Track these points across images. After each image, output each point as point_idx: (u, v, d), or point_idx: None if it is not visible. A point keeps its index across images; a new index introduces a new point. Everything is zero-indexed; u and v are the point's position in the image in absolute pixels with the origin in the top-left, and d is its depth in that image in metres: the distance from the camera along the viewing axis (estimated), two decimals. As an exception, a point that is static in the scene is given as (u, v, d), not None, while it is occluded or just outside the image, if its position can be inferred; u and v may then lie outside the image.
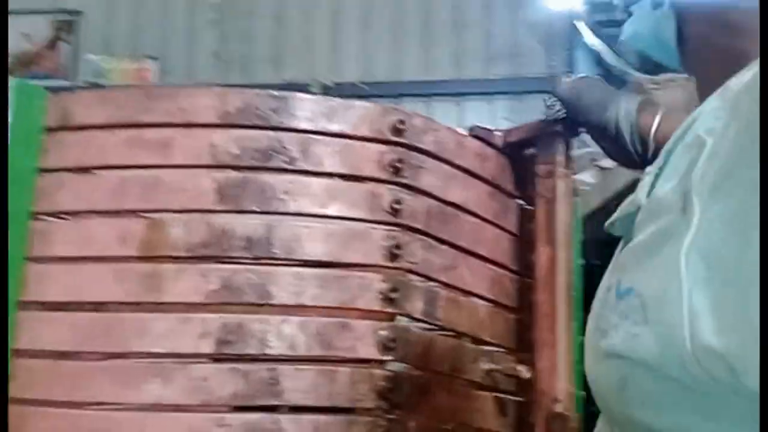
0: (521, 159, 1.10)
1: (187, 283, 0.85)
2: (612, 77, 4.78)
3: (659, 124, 0.90)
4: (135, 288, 0.84)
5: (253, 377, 0.82)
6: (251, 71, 5.33)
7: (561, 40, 4.84)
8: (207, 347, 0.83)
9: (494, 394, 0.97)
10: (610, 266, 0.54)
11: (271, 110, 0.92)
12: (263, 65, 5.28)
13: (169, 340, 0.83)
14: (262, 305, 0.85)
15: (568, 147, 1.02)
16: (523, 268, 1.07)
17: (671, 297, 0.38)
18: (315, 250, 0.88)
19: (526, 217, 1.09)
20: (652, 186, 0.46)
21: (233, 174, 0.89)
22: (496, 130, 1.10)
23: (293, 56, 5.24)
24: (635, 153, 0.94)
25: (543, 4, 4.66)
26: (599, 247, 1.05)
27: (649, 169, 0.50)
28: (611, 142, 0.97)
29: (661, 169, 0.47)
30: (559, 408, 0.89)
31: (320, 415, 0.83)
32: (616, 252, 0.55)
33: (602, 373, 0.46)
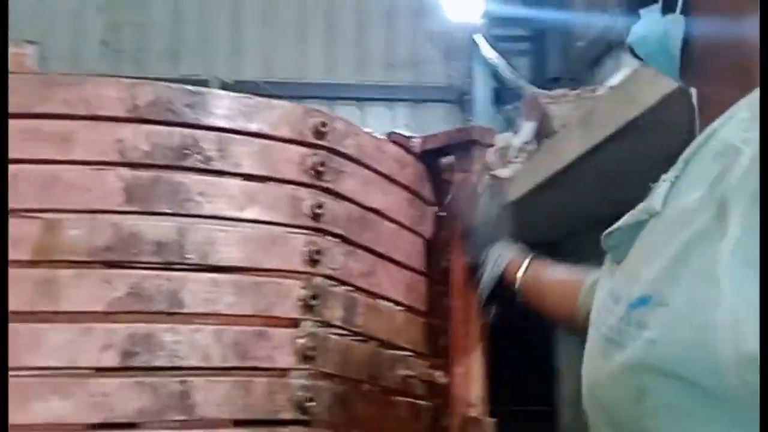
0: (437, 166, 1.11)
1: (88, 290, 0.78)
2: (507, 90, 4.96)
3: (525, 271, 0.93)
4: (28, 295, 0.76)
5: (162, 392, 0.76)
6: (144, 63, 5.06)
7: (460, 52, 5.00)
8: (110, 360, 0.76)
9: (409, 399, 0.97)
10: (611, 277, 0.53)
11: (185, 106, 0.86)
12: (158, 57, 5.02)
13: (66, 353, 0.75)
14: (173, 314, 0.80)
15: (483, 155, 1.04)
16: (438, 275, 1.08)
17: (707, 304, 0.38)
18: (231, 255, 0.84)
19: (441, 225, 1.11)
20: (667, 195, 0.47)
21: (143, 173, 0.83)
22: (413, 136, 1.10)
23: (190, 50, 5.04)
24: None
25: (444, 16, 4.79)
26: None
27: (663, 177, 0.51)
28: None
29: (677, 177, 0.47)
30: (473, 412, 0.90)
31: (235, 429, 0.79)
32: (609, 263, 0.55)
33: (616, 385, 0.45)
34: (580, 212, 2.55)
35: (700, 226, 0.41)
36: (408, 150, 1.07)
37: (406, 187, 1.05)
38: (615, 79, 3.00)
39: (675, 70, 0.55)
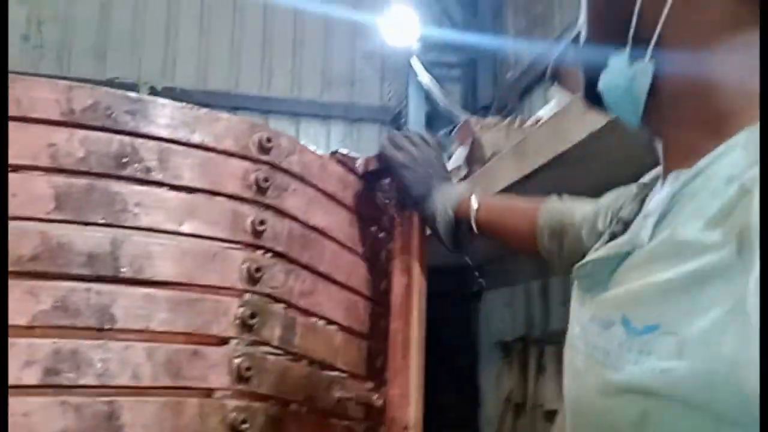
0: (378, 187, 1.12)
1: (11, 302, 0.73)
2: (439, 115, 5.06)
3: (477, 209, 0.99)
4: (-59, 306, 0.70)
5: (87, 412, 0.72)
6: (67, 61, 4.84)
7: (396, 74, 5.07)
8: (32, 377, 0.71)
9: (344, 422, 0.96)
10: (582, 304, 0.54)
11: (126, 113, 0.83)
12: (82, 56, 4.82)
13: (-18, 369, 0.70)
14: (102, 330, 0.76)
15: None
16: (377, 296, 1.08)
17: (728, 334, 0.39)
18: (167, 269, 0.81)
19: (380, 246, 1.11)
20: (654, 229, 0.48)
21: (76, 180, 0.79)
22: (356, 157, 1.11)
23: (118, 50, 4.85)
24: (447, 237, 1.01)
25: (381, 37, 4.86)
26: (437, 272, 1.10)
27: (647, 211, 0.52)
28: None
29: (663, 214, 0.49)
30: (408, 429, 0.91)
31: (164, 453, 0.75)
32: (580, 291, 0.57)
33: (612, 408, 0.46)
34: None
35: (712, 260, 0.42)
36: (351, 170, 1.08)
37: (347, 208, 1.05)
38: (544, 111, 3.13)
39: (636, 118, 0.56)
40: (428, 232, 1.05)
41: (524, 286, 3.01)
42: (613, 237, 0.59)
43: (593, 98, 0.59)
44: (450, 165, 2.67)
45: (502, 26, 4.75)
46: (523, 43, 4.36)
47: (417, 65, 4.49)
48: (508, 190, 1.82)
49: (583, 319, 0.53)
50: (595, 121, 1.31)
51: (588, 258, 0.56)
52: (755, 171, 0.42)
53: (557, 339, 2.71)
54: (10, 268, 0.73)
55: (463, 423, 3.25)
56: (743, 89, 0.48)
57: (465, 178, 2.53)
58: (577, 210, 0.86)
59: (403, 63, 4.90)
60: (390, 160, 1.04)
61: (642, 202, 0.60)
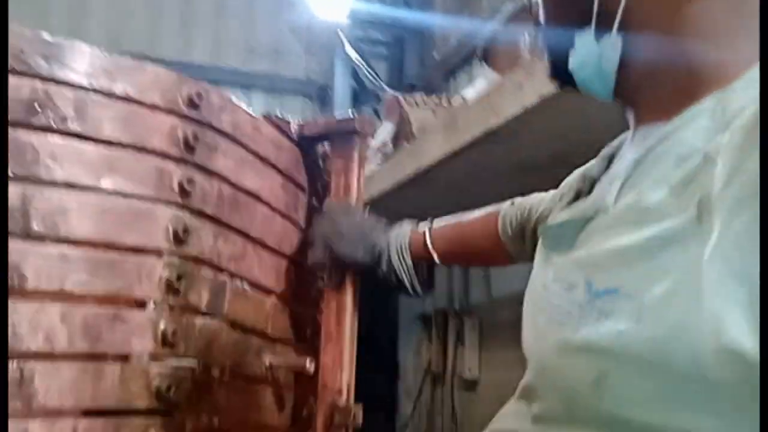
0: (313, 154, 1.09)
1: None
2: (365, 91, 5.02)
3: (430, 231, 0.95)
4: None
5: (-5, 378, 0.66)
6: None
7: (322, 48, 4.99)
8: (-72, 341, 0.64)
9: (274, 388, 0.93)
10: (547, 265, 0.54)
11: (40, 56, 0.76)
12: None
13: None
14: (12, 290, 0.69)
15: (363, 145, 1.04)
16: (307, 263, 1.05)
17: (683, 299, 0.39)
18: (85, 228, 0.75)
19: (312, 213, 1.08)
20: (618, 193, 0.48)
21: (-18, 126, 0.72)
22: (289, 120, 1.07)
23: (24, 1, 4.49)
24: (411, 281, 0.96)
25: (308, 10, 4.75)
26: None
27: (613, 174, 0.51)
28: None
29: (627, 178, 0.49)
30: (342, 401, 0.89)
31: (80, 419, 0.71)
32: (544, 252, 0.56)
33: (572, 366, 0.46)
34: (435, 214, 2.67)
35: (672, 226, 0.43)
36: (285, 133, 1.04)
37: (280, 172, 1.01)
38: (470, 90, 3.17)
39: (608, 92, 0.56)
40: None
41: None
42: (578, 194, 0.60)
43: (560, 78, 0.60)
44: (376, 140, 2.67)
45: (430, 5, 4.76)
46: (451, 22, 4.39)
47: (345, 40, 4.43)
48: (437, 166, 1.83)
49: (546, 278, 0.54)
50: (530, 96, 1.34)
51: (554, 221, 0.57)
52: (719, 140, 0.43)
53: (477, 311, 2.78)
54: None
55: (382, 396, 3.29)
56: (713, 57, 0.50)
57: (391, 153, 2.53)
58: (534, 203, 0.87)
59: (330, 38, 4.82)
60: (320, 242, 0.95)
61: (609, 161, 0.61)
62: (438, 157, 1.76)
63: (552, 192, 0.84)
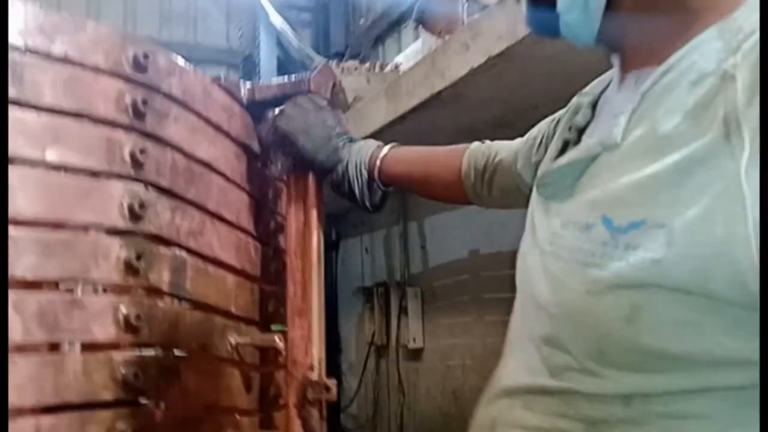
0: (265, 119, 1.03)
1: None
2: (292, 60, 4.89)
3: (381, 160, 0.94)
4: None
5: (-60, 378, 0.59)
6: None
7: (244, 15, 4.79)
8: None
9: (240, 369, 0.89)
10: (548, 213, 0.53)
11: (-36, 12, 0.67)
12: None
13: None
14: (-48, 279, 0.62)
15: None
16: (266, 236, 1.01)
17: (723, 214, 0.39)
18: (32, 206, 0.68)
19: (267, 182, 1.04)
20: (626, 127, 0.47)
21: None
22: (240, 84, 1.01)
23: None
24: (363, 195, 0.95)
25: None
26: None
27: (612, 112, 0.50)
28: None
29: (635, 111, 0.48)
30: (314, 375, 0.86)
31: (43, 417, 0.64)
32: (540, 200, 0.54)
33: (603, 304, 0.45)
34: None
35: (697, 149, 0.42)
36: (236, 99, 0.98)
37: (233, 139, 0.95)
38: (403, 56, 3.13)
39: (593, 33, 0.55)
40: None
41: (384, 231, 3.06)
42: (566, 144, 0.59)
43: (539, 24, 0.59)
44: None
45: (353, -30, 4.66)
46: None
47: (268, 7, 4.27)
48: (382, 131, 1.80)
49: (552, 226, 0.53)
50: (477, 56, 1.32)
51: (553, 165, 0.55)
52: (736, 58, 0.43)
53: (417, 282, 2.81)
54: None
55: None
56: None
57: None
58: (504, 149, 0.86)
59: (250, 4, 4.64)
60: (284, 130, 0.93)
61: (593, 107, 0.60)
62: (381, 123, 1.74)
63: (519, 140, 0.83)
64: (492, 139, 0.91)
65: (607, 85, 0.61)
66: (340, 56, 4.16)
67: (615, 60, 0.58)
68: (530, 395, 0.54)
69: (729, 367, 0.43)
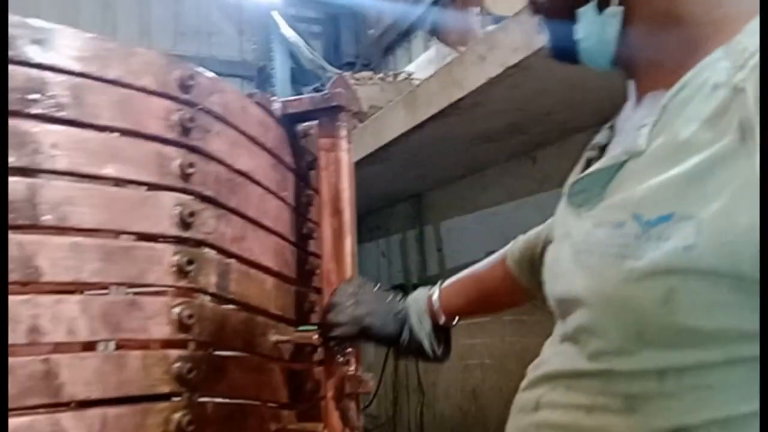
0: (297, 132, 1.10)
1: None
2: (305, 71, 4.96)
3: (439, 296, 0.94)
4: None
5: (22, 373, 0.65)
6: None
7: (256, 28, 4.88)
8: (-50, 340, 0.63)
9: (281, 365, 0.95)
10: (579, 218, 0.59)
11: (32, 42, 0.74)
12: None
13: None
14: (28, 283, 0.68)
15: (349, 119, 1.06)
16: (300, 240, 1.07)
17: (742, 208, 0.45)
18: (94, 216, 0.74)
19: (299, 190, 1.10)
20: (649, 136, 0.53)
21: (-21, 117, 0.69)
22: (273, 99, 1.07)
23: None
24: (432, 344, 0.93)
25: (238, -12, 4.63)
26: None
27: (636, 123, 0.56)
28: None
29: (656, 122, 0.54)
30: (351, 370, 0.92)
31: (109, 408, 0.70)
32: (569, 209, 0.61)
33: (640, 290, 0.50)
34: (393, 188, 2.70)
35: (716, 151, 0.48)
36: (269, 113, 1.04)
37: (269, 151, 1.02)
38: (414, 65, 3.19)
39: (609, 59, 0.61)
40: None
41: (400, 235, 3.11)
42: (588, 163, 0.65)
43: (560, 52, 0.65)
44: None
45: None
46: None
47: (280, 19, 4.36)
48: (399, 140, 1.87)
49: (584, 228, 0.58)
50: (493, 67, 1.38)
51: (583, 174, 0.61)
52: (743, 74, 0.49)
53: (435, 283, 2.85)
54: None
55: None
56: (711, 18, 0.55)
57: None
58: (538, 231, 0.89)
59: (262, 17, 4.73)
60: (348, 327, 0.90)
61: (611, 129, 0.66)
62: (401, 130, 1.80)
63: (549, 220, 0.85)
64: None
65: (621, 111, 0.67)
66: (351, 66, 4.23)
67: (631, 84, 0.64)
68: (570, 379, 0.60)
69: (755, 339, 0.48)
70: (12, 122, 0.71)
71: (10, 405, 0.63)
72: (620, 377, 0.55)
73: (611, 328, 0.54)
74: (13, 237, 0.68)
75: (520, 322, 2.17)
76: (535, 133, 1.84)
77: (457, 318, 0.95)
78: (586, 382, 0.58)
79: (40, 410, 0.66)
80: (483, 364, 2.38)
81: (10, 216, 0.68)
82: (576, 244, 0.59)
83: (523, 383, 0.68)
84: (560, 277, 0.62)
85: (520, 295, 0.92)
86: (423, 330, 0.92)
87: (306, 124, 1.11)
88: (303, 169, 1.10)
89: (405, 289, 3.01)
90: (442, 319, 0.93)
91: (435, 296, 0.94)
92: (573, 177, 0.66)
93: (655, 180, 0.51)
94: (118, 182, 0.78)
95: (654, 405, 0.52)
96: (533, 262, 0.88)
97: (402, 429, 2.93)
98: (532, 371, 0.66)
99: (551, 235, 0.82)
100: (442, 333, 0.94)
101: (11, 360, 0.64)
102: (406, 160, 2.03)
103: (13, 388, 0.64)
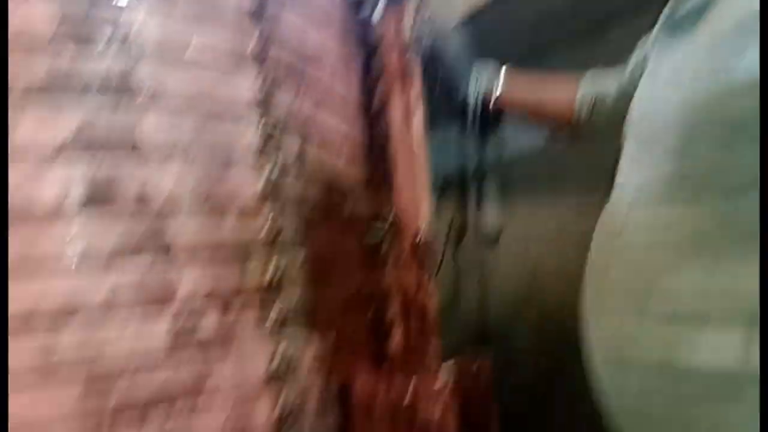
0: (362, 12, 1.10)
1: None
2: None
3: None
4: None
5: (137, 230, 0.74)
6: None
7: None
8: (74, 203, 0.71)
9: (356, 233, 1.02)
10: (673, 48, 0.64)
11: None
12: None
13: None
14: (134, 148, 0.75)
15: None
16: (369, 119, 1.10)
17: None
18: (186, 85, 0.80)
19: (368, 66, 1.11)
20: None
21: (77, 5, 0.74)
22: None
23: None
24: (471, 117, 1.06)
25: None
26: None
27: None
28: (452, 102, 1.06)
29: None
30: (418, 239, 0.98)
31: (208, 267, 0.79)
32: (663, 38, 0.67)
33: (734, 96, 0.54)
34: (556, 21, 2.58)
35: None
36: (336, -2, 1.05)
37: (337, 31, 1.03)
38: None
39: None
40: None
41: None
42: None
43: None
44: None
45: None
46: None
47: None
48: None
49: (686, 49, 0.62)
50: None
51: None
52: None
53: (495, 169, 2.85)
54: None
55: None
56: None
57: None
58: (613, 77, 0.92)
59: None
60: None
61: None
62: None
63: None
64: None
65: None
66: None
67: None
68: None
69: None
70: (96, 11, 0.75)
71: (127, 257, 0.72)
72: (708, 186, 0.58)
73: (696, 149, 0.58)
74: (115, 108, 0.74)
75: (577, 205, 2.18)
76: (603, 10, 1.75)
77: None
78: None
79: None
80: (541, 250, 2.43)
81: (110, 91, 0.75)
82: (675, 69, 0.62)
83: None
84: (654, 102, 0.65)
85: (565, 126, 1.00)
86: (475, 99, 1.05)
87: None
88: (371, 44, 1.11)
89: (465, 175, 3.03)
90: (494, 106, 1.05)
91: (500, 84, 1.04)
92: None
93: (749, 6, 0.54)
94: (204, 53, 0.82)
95: None
96: (604, 101, 0.93)
97: (463, 313, 3.05)
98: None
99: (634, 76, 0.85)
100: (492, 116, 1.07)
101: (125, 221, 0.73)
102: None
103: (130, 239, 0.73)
